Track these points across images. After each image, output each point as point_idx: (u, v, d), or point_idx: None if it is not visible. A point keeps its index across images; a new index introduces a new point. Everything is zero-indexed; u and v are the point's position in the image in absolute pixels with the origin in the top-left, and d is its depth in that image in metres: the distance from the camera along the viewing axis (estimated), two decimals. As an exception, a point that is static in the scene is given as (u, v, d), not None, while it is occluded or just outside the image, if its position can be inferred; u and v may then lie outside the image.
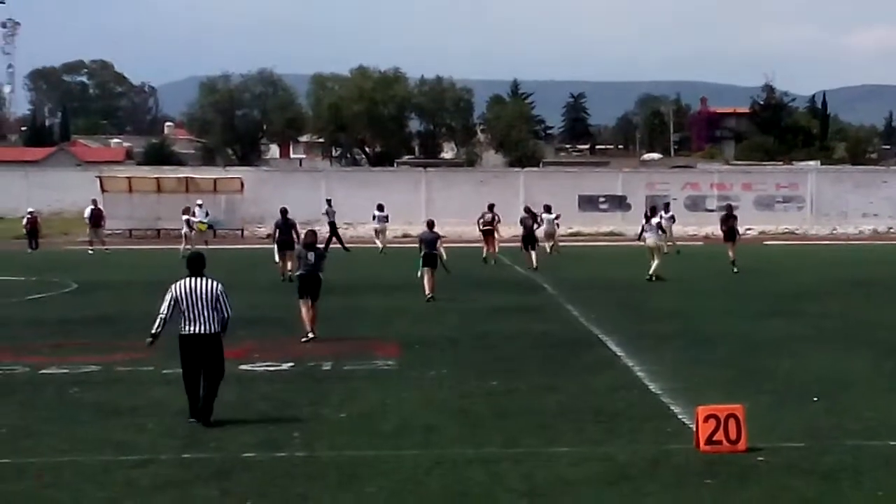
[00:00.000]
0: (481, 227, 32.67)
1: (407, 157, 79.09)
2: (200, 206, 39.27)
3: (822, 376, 13.54)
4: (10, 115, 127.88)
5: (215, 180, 47.48)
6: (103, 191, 45.91)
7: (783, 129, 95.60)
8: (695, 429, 9.93)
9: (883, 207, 49.75)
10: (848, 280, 26.34)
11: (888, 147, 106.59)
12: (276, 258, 26.39)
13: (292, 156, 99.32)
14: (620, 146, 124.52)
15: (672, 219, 37.63)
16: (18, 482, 9.11)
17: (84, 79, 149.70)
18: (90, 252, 37.09)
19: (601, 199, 49.32)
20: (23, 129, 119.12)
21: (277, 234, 26.86)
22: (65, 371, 14.18)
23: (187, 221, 35.60)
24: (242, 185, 47.43)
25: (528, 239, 30.29)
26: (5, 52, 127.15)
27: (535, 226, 31.51)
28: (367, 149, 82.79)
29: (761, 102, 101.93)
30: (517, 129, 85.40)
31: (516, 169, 57.67)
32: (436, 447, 10.09)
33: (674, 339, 16.61)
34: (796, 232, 48.24)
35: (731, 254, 28.77)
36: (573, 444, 10.13)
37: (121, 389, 12.92)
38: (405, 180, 49.83)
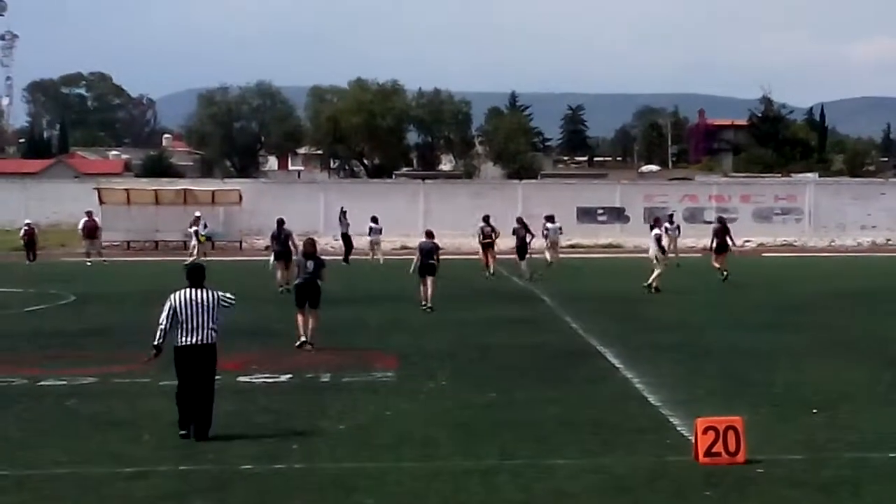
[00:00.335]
0: (481, 240, 32.65)
1: (405, 169, 79.22)
2: (198, 218, 39.22)
3: (821, 388, 13.52)
4: (8, 128, 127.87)
5: (214, 192, 47.48)
6: (101, 203, 45.91)
7: (781, 142, 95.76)
8: (694, 441, 9.92)
9: (881, 219, 49.75)
10: (847, 292, 26.34)
11: (886, 159, 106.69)
12: (271, 266, 26.49)
13: (290, 168, 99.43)
14: (619, 158, 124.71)
15: (678, 230, 37.77)
16: (17, 494, 9.08)
17: (82, 91, 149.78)
18: (88, 264, 37.06)
19: (599, 212, 49.33)
20: (21, 141, 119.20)
21: (274, 245, 27.04)
22: (62, 383, 14.15)
23: (195, 233, 35.41)
24: (241, 197, 47.41)
25: (522, 250, 30.47)
26: (3, 64, 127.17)
27: (529, 237, 31.61)
28: (365, 161, 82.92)
29: (759, 115, 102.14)
30: (515, 141, 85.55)
31: (514, 181, 57.70)
32: (434, 459, 10.07)
33: (673, 351, 16.60)
34: (795, 244, 48.25)
35: (717, 265, 28.81)
36: (572, 457, 10.10)
37: (118, 401, 12.89)
38: (403, 192, 49.84)
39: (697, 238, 45.88)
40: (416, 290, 22.62)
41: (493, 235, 32.27)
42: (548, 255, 34.95)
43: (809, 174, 70.60)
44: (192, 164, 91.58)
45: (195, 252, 34.62)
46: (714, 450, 9.69)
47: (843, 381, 14.06)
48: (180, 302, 10.79)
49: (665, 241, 28.19)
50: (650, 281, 25.84)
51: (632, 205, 49.01)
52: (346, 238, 38.69)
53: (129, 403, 12.73)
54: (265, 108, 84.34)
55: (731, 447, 9.69)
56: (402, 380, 14.34)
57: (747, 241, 48.28)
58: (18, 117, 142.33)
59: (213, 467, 9.80)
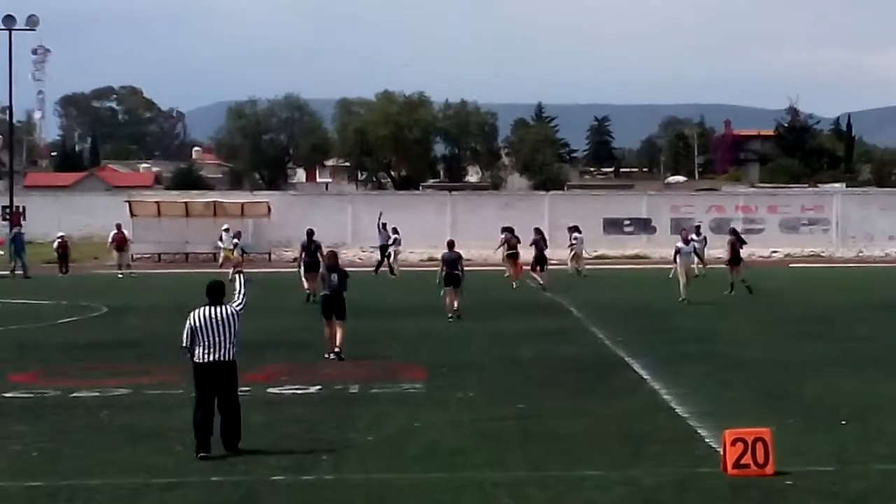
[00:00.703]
0: (506, 251, 32.71)
1: (432, 180, 79.35)
2: (227, 230, 39.13)
3: (850, 400, 13.45)
4: (40, 141, 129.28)
5: (243, 204, 47.82)
6: (132, 215, 46.37)
7: (808, 152, 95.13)
8: (722, 452, 9.90)
9: (910, 230, 49.33)
10: (876, 303, 26.14)
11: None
12: (303, 279, 26.68)
13: (318, 180, 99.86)
14: (645, 169, 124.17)
15: (704, 241, 37.63)
16: (51, 504, 9.22)
17: (113, 104, 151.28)
18: (119, 276, 37.41)
19: (626, 223, 49.24)
20: (53, 154, 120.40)
21: (304, 256, 27.23)
22: (95, 394, 14.31)
23: (236, 245, 35.10)
24: (269, 209, 47.76)
25: (540, 260, 30.59)
26: (36, 78, 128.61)
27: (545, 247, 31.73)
28: (392, 173, 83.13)
29: (786, 125, 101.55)
30: (541, 152, 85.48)
31: (541, 192, 57.71)
32: (463, 470, 10.12)
33: (701, 362, 16.56)
34: (822, 255, 47.91)
35: (735, 275, 28.51)
36: (600, 468, 10.12)
37: (150, 412, 13.04)
38: (430, 204, 49.99)
39: (725, 249, 45.80)
40: (442, 301, 22.73)
41: (517, 245, 32.36)
42: (575, 265, 34.96)
43: (836, 184, 70.07)
44: (221, 176, 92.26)
45: (237, 264, 34.04)
46: (743, 462, 9.67)
47: (873, 393, 13.98)
48: (200, 320, 10.73)
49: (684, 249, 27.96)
50: (684, 295, 25.79)
51: (658, 216, 48.88)
52: (383, 249, 38.75)
53: (161, 415, 12.87)
54: (293, 120, 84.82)
55: (760, 459, 9.67)
56: (430, 391, 14.40)
57: (774, 252, 48.08)
58: (51, 131, 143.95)
59: (244, 478, 9.89)
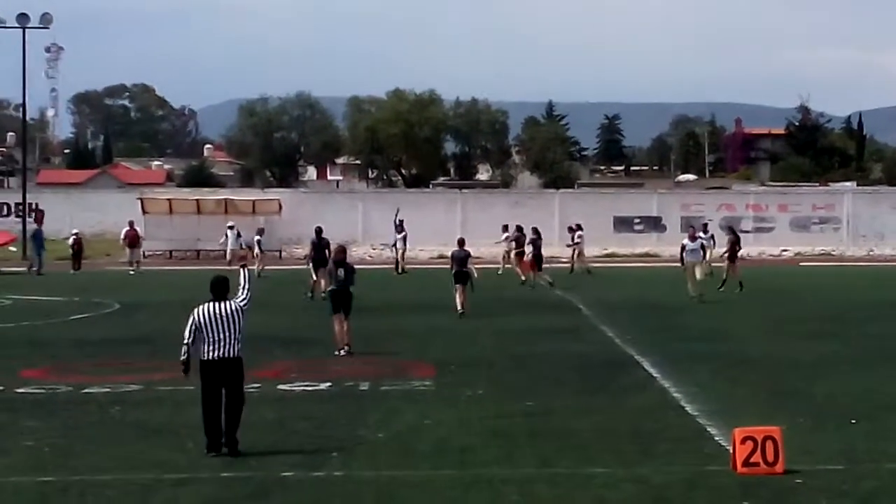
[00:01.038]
0: (515, 248, 32.87)
1: (442, 178, 79.35)
2: (231, 228, 38.78)
3: (861, 398, 13.44)
4: (53, 139, 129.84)
5: (254, 202, 47.94)
6: (144, 212, 46.53)
7: (819, 151, 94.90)
8: (731, 451, 9.91)
9: (921, 229, 49.17)
10: (887, 301, 26.07)
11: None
12: (313, 275, 26.78)
13: (329, 177, 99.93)
14: (655, 167, 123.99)
15: (712, 239, 37.50)
16: (62, 500, 9.28)
17: (126, 102, 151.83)
18: (131, 273, 37.58)
19: (636, 221, 49.19)
20: (66, 151, 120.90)
21: (313, 253, 27.39)
22: (107, 390, 14.39)
23: (258, 242, 35.00)
24: (280, 206, 47.85)
25: (538, 259, 30.67)
26: (49, 76, 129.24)
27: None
28: (402, 171, 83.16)
29: (797, 123, 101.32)
30: (552, 150, 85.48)
31: (551, 190, 57.69)
32: (472, 467, 10.15)
33: (710, 361, 16.55)
34: (833, 253, 47.78)
35: (732, 273, 28.50)
36: (609, 466, 10.14)
37: (161, 409, 13.10)
38: (441, 202, 50.03)
39: (725, 247, 45.69)
40: (452, 299, 22.79)
41: (524, 243, 32.45)
42: (581, 264, 35.05)
43: (847, 183, 69.89)
44: (232, 174, 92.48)
45: (258, 261, 33.82)
46: (752, 460, 9.67)
47: (883, 392, 13.95)
48: (203, 316, 10.60)
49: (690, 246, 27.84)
50: (698, 292, 25.78)
51: (669, 214, 48.83)
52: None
53: (172, 411, 12.91)
54: (304, 118, 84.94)
55: (770, 457, 9.67)
56: (440, 388, 14.43)
57: (785, 251, 48.01)
58: (64, 128, 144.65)
59: (255, 474, 9.94)
